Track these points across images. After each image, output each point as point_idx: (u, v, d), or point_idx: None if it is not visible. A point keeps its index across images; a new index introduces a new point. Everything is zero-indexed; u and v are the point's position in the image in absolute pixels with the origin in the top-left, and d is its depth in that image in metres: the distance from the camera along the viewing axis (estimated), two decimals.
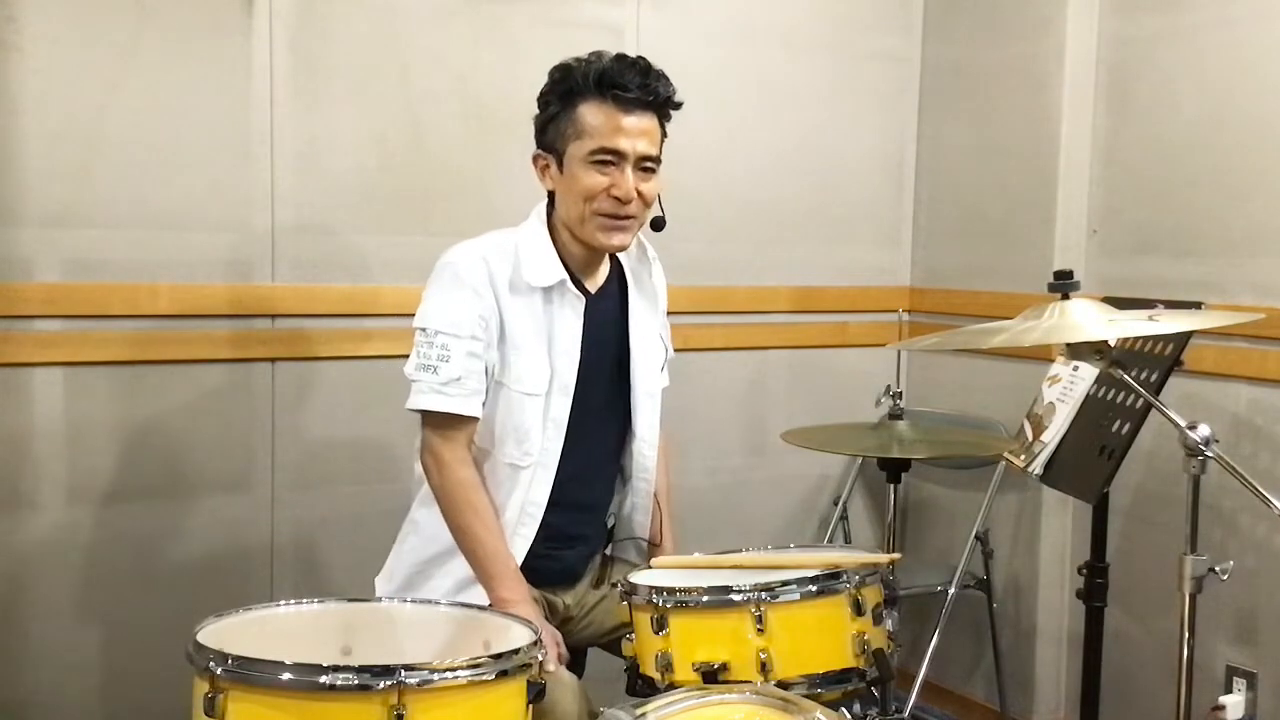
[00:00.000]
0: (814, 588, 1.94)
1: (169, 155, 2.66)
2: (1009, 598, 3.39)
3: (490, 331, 2.12)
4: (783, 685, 1.85)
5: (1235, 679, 2.85)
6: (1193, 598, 1.98)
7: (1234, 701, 2.80)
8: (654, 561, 2.19)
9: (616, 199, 2.11)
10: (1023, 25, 3.31)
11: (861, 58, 3.56)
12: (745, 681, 1.85)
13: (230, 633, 1.69)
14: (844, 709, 2.08)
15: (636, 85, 2.09)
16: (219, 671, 1.57)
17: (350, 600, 1.99)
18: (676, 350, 3.12)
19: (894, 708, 2.30)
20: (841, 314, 3.60)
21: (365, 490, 2.88)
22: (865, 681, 1.95)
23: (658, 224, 2.25)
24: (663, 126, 2.17)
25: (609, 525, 2.37)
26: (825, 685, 1.92)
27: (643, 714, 1.69)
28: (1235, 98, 2.86)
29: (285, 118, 2.77)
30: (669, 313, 2.43)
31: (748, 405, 3.47)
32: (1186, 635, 1.99)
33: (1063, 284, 1.98)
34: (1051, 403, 2.61)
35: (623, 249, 2.22)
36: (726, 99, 3.34)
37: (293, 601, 1.90)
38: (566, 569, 2.26)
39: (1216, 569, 1.96)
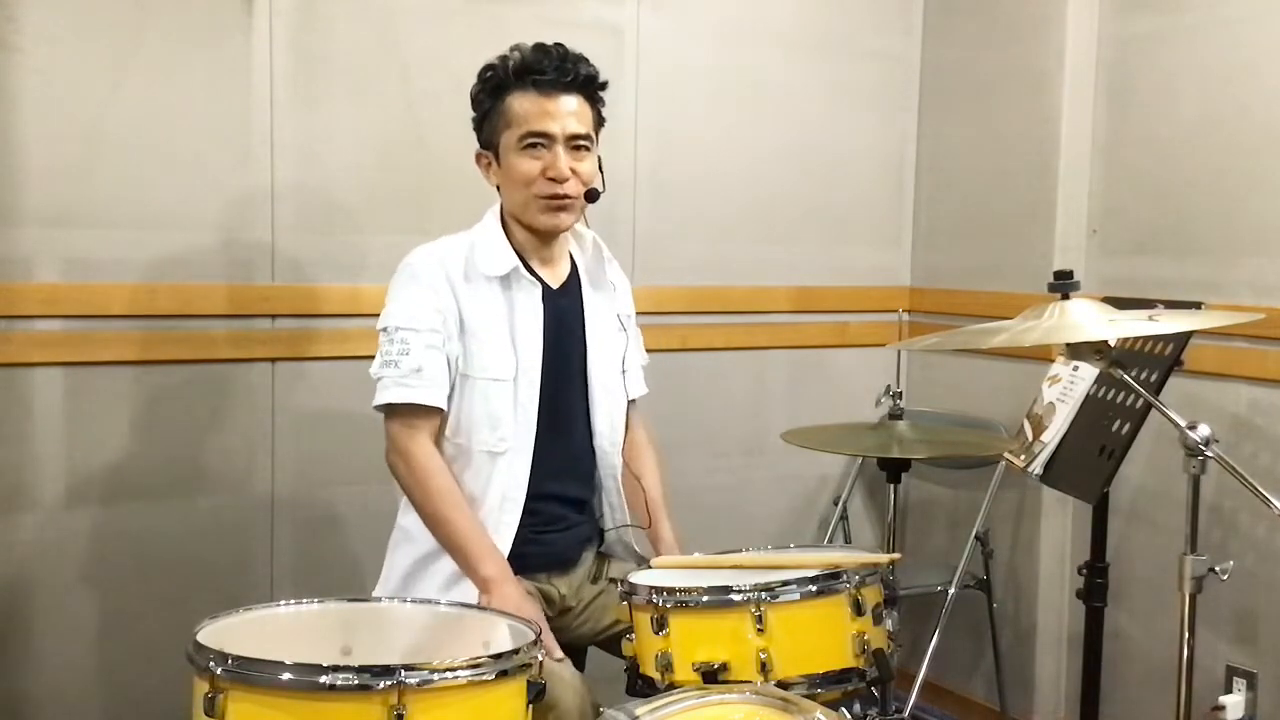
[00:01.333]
0: (814, 588, 1.93)
1: (169, 155, 2.66)
2: (1009, 598, 3.39)
3: (449, 325, 2.16)
4: (783, 685, 1.85)
5: (1235, 679, 2.85)
6: (1193, 598, 1.98)
7: (1234, 701, 2.80)
8: (654, 561, 2.20)
9: (552, 180, 2.16)
10: (1023, 25, 3.31)
11: (861, 58, 3.56)
12: (745, 681, 1.85)
13: (230, 633, 1.69)
14: (844, 709, 2.08)
15: (553, 68, 2.16)
16: (219, 671, 1.57)
17: (350, 600, 1.99)
18: (676, 350, 3.12)
19: (894, 708, 2.30)
20: (841, 314, 3.60)
21: (365, 490, 2.87)
22: (865, 681, 1.95)
23: (592, 195, 2.25)
24: (594, 108, 2.23)
25: (599, 524, 2.38)
26: (825, 685, 1.91)
27: (643, 714, 1.69)
28: (1235, 97, 2.86)
29: (285, 118, 2.77)
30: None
31: (748, 405, 3.47)
32: (1186, 635, 1.99)
33: (1063, 284, 1.98)
34: (1051, 403, 2.61)
35: (566, 229, 2.26)
36: (726, 99, 3.35)
37: (293, 601, 1.90)
38: (556, 553, 2.27)
39: (1216, 569, 1.96)
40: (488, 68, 2.21)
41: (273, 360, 2.81)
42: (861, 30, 3.56)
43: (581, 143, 2.19)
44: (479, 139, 2.26)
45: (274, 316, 2.80)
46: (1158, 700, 3.01)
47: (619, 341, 2.35)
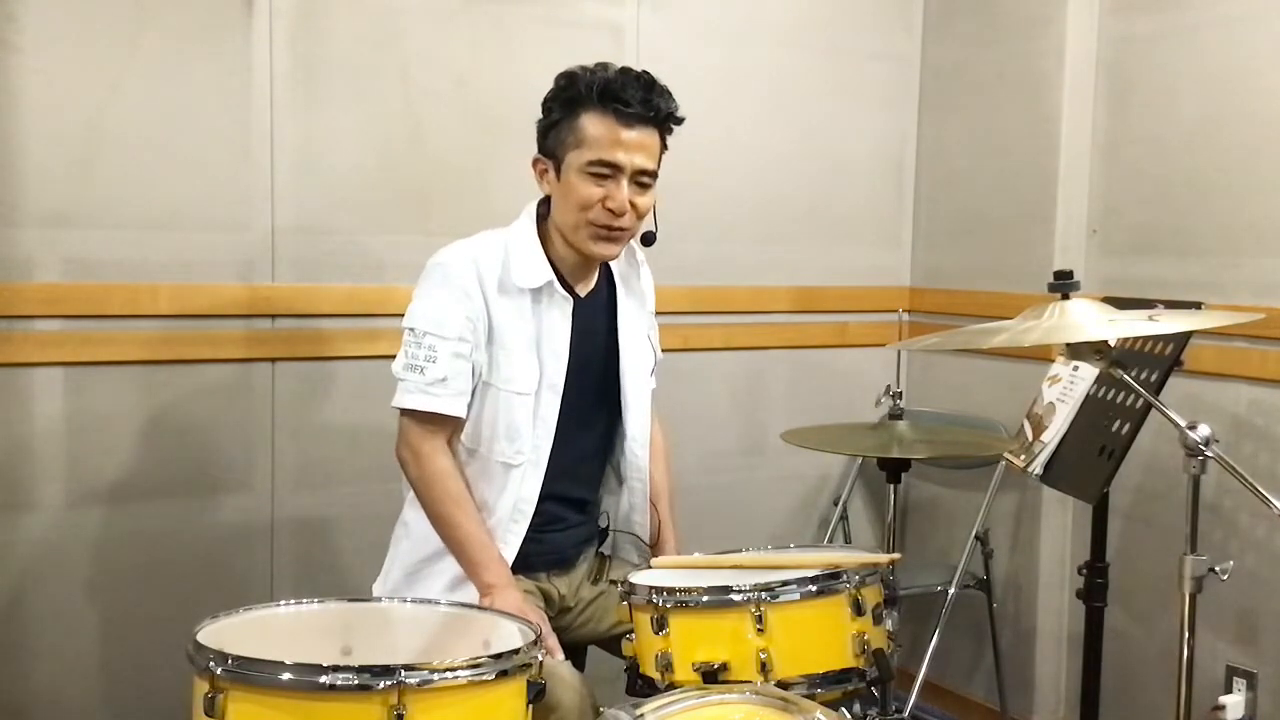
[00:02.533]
0: (814, 588, 1.94)
1: (169, 155, 2.66)
2: (1009, 598, 3.39)
3: (478, 333, 2.14)
4: (783, 685, 1.85)
5: (1235, 679, 2.85)
6: (1193, 598, 1.97)
7: (1234, 701, 2.80)
8: (654, 561, 2.20)
9: (610, 211, 2.12)
10: (1023, 25, 3.31)
11: (862, 57, 3.56)
12: (745, 681, 1.85)
13: (230, 633, 1.69)
14: (844, 709, 2.08)
15: (639, 100, 2.10)
16: (219, 671, 1.57)
17: (350, 600, 1.99)
18: (676, 350, 3.11)
19: (894, 708, 2.30)
20: (841, 314, 3.60)
21: (365, 490, 2.87)
22: (865, 681, 1.95)
23: (648, 239, 2.28)
24: (663, 140, 2.18)
25: (602, 525, 2.38)
26: (825, 685, 1.92)
27: (643, 714, 1.69)
28: (1235, 97, 2.86)
29: (285, 118, 2.77)
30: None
31: (748, 405, 3.47)
32: (1186, 635, 1.99)
33: (1063, 284, 1.98)
34: (1051, 403, 2.61)
35: (612, 259, 2.24)
36: (727, 99, 3.35)
37: (293, 601, 1.90)
38: (556, 552, 2.28)
39: (1216, 569, 1.96)
40: (565, 77, 2.15)
41: (273, 360, 2.81)
42: (862, 30, 3.55)
43: (646, 178, 2.15)
44: (540, 144, 2.20)
45: (274, 316, 2.80)
46: (1158, 700, 3.02)
47: (648, 346, 2.36)
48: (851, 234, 3.60)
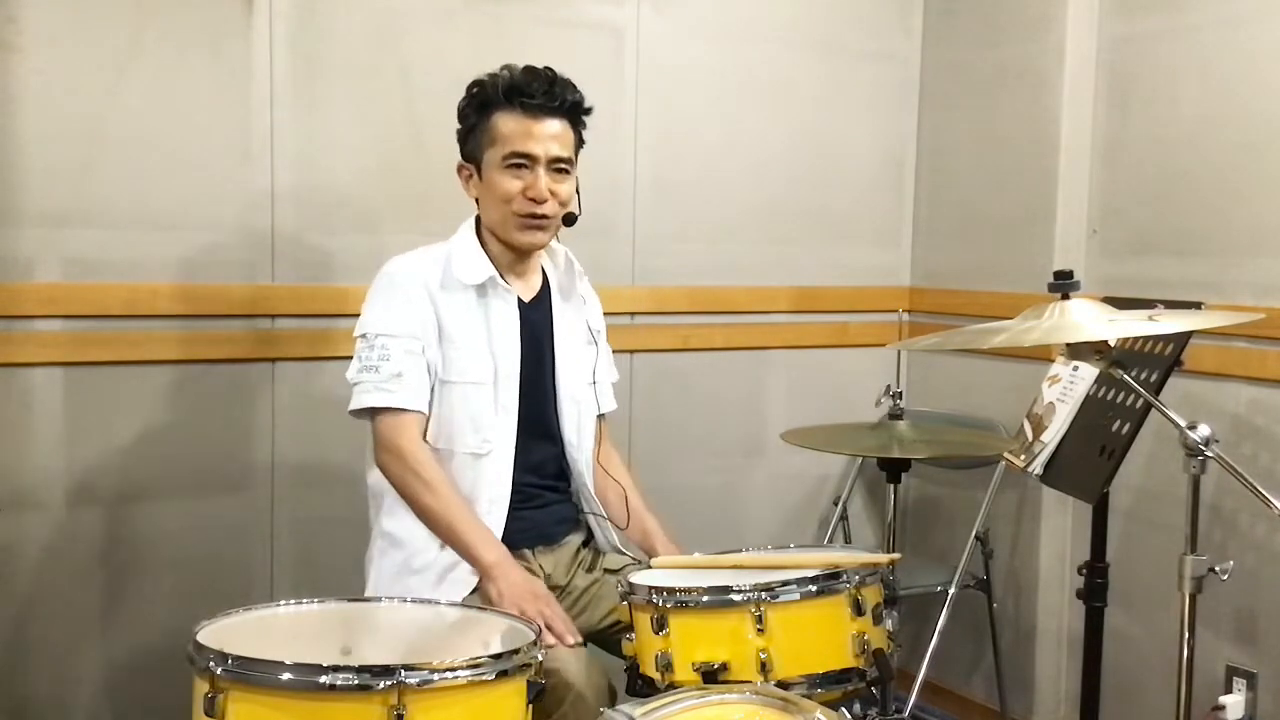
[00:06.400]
0: (814, 588, 1.94)
1: (169, 155, 2.66)
2: (1009, 598, 3.39)
3: (428, 332, 2.21)
4: (783, 685, 1.85)
5: (1235, 679, 2.85)
6: (1193, 598, 1.98)
7: (1234, 701, 2.80)
8: (654, 561, 2.22)
9: (531, 200, 2.21)
10: (1023, 25, 3.31)
11: (861, 57, 3.56)
12: (745, 681, 1.86)
13: (230, 633, 1.70)
14: (844, 709, 2.08)
15: (542, 93, 2.21)
16: (219, 671, 1.58)
17: (350, 600, 2.00)
18: (676, 350, 3.11)
19: (894, 708, 2.29)
20: (841, 314, 3.60)
21: (365, 490, 2.87)
22: (865, 681, 1.96)
23: (569, 219, 2.32)
24: (576, 131, 2.28)
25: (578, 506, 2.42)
26: (825, 685, 1.92)
27: (643, 714, 1.69)
28: (1235, 97, 2.86)
29: (285, 118, 2.77)
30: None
31: (748, 405, 3.47)
32: (1186, 635, 1.99)
33: (1063, 284, 1.99)
34: (1051, 403, 2.61)
35: (541, 247, 2.32)
36: (727, 99, 3.35)
37: (293, 601, 1.90)
38: (536, 527, 2.31)
39: (1216, 569, 1.96)
40: (476, 84, 2.27)
41: (273, 360, 2.81)
42: (861, 30, 3.55)
43: (562, 165, 2.25)
44: (462, 151, 2.31)
45: (274, 316, 2.80)
46: (1158, 700, 3.01)
47: (588, 354, 2.41)
48: (851, 234, 3.59)
